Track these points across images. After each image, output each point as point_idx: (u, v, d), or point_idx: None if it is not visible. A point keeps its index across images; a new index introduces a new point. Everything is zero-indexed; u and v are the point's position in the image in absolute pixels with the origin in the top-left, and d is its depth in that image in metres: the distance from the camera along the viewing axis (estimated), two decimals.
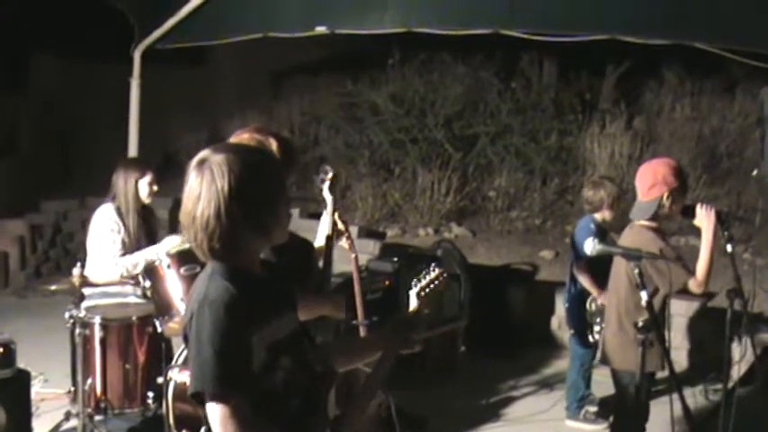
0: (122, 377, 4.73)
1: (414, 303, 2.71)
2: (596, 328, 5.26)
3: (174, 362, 4.08)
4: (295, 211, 8.60)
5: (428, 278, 2.77)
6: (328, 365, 2.50)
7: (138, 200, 5.09)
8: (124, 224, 5.02)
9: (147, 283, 4.47)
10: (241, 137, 3.23)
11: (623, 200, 5.66)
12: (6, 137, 10.51)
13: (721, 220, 4.02)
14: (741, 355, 4.93)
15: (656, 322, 3.47)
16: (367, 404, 2.53)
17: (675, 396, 3.32)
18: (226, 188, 2.16)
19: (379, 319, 4.45)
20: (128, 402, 4.75)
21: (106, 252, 4.94)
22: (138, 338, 4.75)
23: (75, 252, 9.10)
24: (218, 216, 2.17)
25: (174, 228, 4.97)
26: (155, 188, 5.15)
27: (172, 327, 4.37)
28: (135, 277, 4.81)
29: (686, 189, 4.30)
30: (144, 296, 4.66)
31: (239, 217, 2.18)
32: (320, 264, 3.84)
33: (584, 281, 5.39)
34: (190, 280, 4.06)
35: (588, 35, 6.43)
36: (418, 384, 5.89)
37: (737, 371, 5.14)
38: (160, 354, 4.67)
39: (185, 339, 2.27)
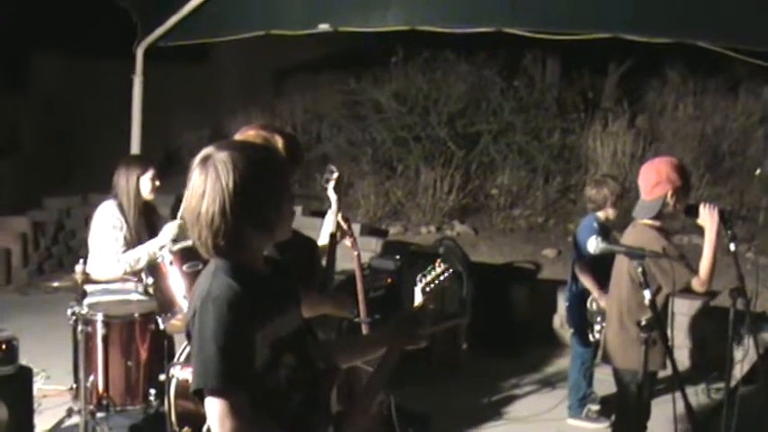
0: (124, 374, 4.73)
1: (419, 299, 2.71)
2: (597, 327, 5.25)
3: (176, 359, 4.09)
4: (298, 209, 8.60)
5: (433, 274, 2.75)
6: (331, 363, 2.50)
7: (140, 196, 5.07)
8: (126, 221, 5.00)
9: (150, 280, 4.47)
10: (247, 133, 3.22)
11: (626, 198, 5.66)
12: (8, 135, 10.52)
13: (724, 219, 4.01)
14: (743, 355, 4.94)
15: (659, 321, 3.47)
16: (370, 402, 2.53)
17: (678, 395, 3.31)
18: (230, 185, 2.16)
19: (381, 317, 4.46)
20: (130, 399, 4.75)
21: (108, 249, 4.93)
22: (140, 335, 4.75)
23: (78, 249, 9.12)
24: (223, 213, 2.17)
25: None
26: (157, 183, 5.12)
27: (174, 324, 4.36)
28: (137, 274, 4.80)
29: (689, 188, 4.29)
30: (146, 293, 4.64)
31: (243, 214, 2.18)
32: (323, 262, 3.84)
33: (585, 280, 5.39)
34: (192, 277, 4.06)
35: (591, 33, 6.42)
36: (421, 382, 5.89)
37: (740, 370, 5.13)
38: (162, 351, 4.67)
39: (188, 336, 2.26)
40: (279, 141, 3.20)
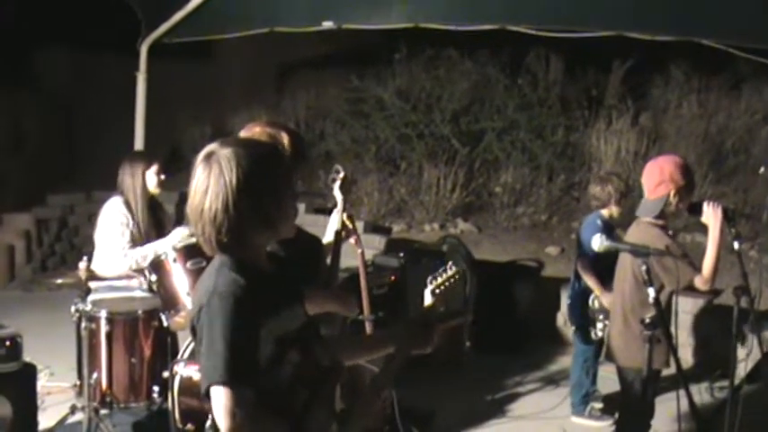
0: (128, 371, 4.72)
1: (428, 301, 2.69)
2: (599, 325, 5.25)
3: (179, 356, 4.09)
4: (301, 206, 8.60)
5: (444, 276, 2.73)
6: (336, 360, 2.50)
7: (147, 191, 5.07)
8: (133, 218, 5.00)
9: (154, 277, 4.47)
10: (253, 130, 3.22)
11: (629, 196, 5.65)
12: (12, 132, 10.53)
13: (728, 218, 4.01)
14: (747, 353, 4.93)
15: (663, 319, 3.47)
16: (375, 400, 2.52)
17: (681, 393, 3.31)
18: (234, 181, 2.17)
19: (384, 314, 4.45)
20: (133, 396, 4.74)
21: (115, 244, 4.93)
22: (143, 332, 4.75)
23: (81, 246, 9.13)
24: (227, 209, 2.18)
25: (181, 221, 4.95)
26: (162, 177, 5.11)
27: (178, 321, 4.37)
28: (142, 270, 4.81)
29: (693, 186, 4.29)
30: (150, 290, 4.65)
31: (246, 210, 2.19)
32: (328, 260, 3.85)
33: (588, 278, 5.37)
34: (196, 274, 4.07)
35: (595, 31, 6.42)
36: (424, 379, 5.88)
37: (744, 368, 5.12)
38: (166, 348, 4.68)
39: (193, 332, 2.26)
40: (284, 138, 3.21)
